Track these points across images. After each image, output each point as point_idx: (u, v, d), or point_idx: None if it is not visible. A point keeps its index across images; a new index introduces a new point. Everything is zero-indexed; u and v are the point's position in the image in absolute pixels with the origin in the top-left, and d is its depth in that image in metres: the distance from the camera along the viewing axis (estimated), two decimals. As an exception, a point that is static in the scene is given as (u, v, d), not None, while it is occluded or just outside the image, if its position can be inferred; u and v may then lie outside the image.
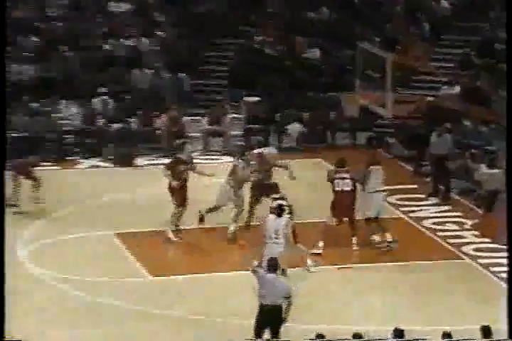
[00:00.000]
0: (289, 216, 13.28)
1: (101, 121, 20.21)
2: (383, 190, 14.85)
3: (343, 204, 14.43)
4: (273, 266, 11.45)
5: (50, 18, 22.57)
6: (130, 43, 22.18)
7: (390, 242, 14.43)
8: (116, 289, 13.38)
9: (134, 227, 15.50)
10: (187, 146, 16.17)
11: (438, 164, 17.30)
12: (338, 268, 14.07)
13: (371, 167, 14.79)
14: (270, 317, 11.18)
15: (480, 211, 16.60)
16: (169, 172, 15.09)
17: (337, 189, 14.50)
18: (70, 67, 21.42)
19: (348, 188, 14.47)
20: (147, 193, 16.52)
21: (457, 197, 17.16)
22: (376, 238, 14.60)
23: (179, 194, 15.03)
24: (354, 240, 14.49)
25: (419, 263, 14.12)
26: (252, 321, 11.33)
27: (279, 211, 13.19)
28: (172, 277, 13.81)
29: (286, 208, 13.41)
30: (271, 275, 11.35)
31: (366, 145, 20.51)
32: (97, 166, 19.11)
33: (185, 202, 15.06)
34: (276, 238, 12.97)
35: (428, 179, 17.93)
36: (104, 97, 20.63)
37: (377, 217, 14.58)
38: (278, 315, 11.16)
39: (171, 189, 15.08)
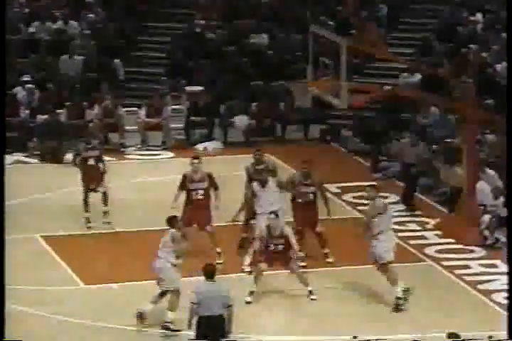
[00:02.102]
0: None
1: (25, 113, 20.04)
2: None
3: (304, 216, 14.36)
4: (209, 272, 11.36)
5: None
6: (57, 26, 22.03)
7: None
8: (46, 298, 13.28)
9: (63, 230, 15.46)
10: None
11: (406, 170, 17.47)
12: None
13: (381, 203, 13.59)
14: (210, 329, 11.10)
15: (443, 209, 16.80)
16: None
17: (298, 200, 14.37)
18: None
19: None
20: (77, 192, 16.38)
21: (419, 196, 17.31)
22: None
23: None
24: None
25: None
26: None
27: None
28: (106, 285, 13.72)
29: None
30: (208, 283, 11.30)
31: (319, 139, 20.67)
32: (22, 162, 18.97)
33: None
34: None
35: (384, 175, 18.14)
36: (29, 86, 20.47)
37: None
38: (219, 327, 11.11)
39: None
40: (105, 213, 15.72)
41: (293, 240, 13.42)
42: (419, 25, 22.71)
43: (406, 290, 13.09)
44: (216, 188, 14.61)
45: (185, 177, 14.62)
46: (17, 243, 14.89)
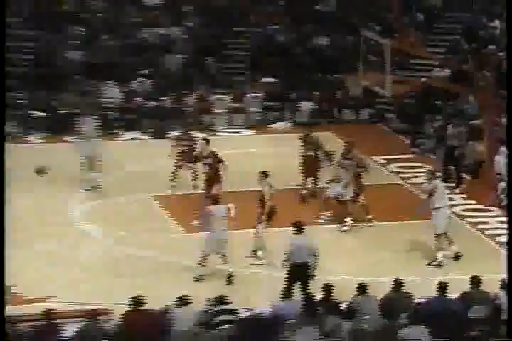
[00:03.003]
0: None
1: (139, 99, 20.19)
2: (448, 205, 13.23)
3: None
4: (298, 227, 11.29)
5: (93, 10, 22.46)
6: (162, 32, 22.07)
7: (457, 254, 13.02)
8: (153, 243, 13.37)
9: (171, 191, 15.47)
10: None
11: (450, 152, 17.06)
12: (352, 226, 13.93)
13: (437, 184, 13.03)
14: (299, 274, 11.00)
15: (468, 177, 16.55)
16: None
17: None
18: (111, 53, 21.35)
19: None
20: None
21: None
22: (444, 253, 12.97)
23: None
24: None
25: (415, 223, 14.06)
26: (281, 273, 11.24)
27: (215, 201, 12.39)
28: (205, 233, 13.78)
29: None
30: (297, 237, 11.15)
31: (368, 120, 20.46)
32: (137, 138, 19.14)
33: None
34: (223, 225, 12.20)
35: (420, 149, 17.89)
36: (142, 79, 20.58)
37: (445, 232, 13.03)
38: (306, 271, 10.99)
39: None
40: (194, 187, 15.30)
41: None
42: (449, 29, 22.26)
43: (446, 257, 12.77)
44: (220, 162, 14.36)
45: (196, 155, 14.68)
46: (132, 201, 15.07)
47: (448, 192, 15.57)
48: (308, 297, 10.68)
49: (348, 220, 13.98)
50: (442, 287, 9.90)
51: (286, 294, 10.96)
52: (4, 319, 9.00)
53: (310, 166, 14.88)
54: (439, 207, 12.92)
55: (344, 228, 13.89)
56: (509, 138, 13.05)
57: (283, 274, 11.34)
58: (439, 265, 12.80)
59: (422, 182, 14.32)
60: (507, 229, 13.14)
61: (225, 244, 12.17)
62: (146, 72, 20.80)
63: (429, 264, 12.83)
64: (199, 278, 12.17)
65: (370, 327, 9.30)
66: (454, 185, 16.10)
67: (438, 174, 13.76)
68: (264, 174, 12.96)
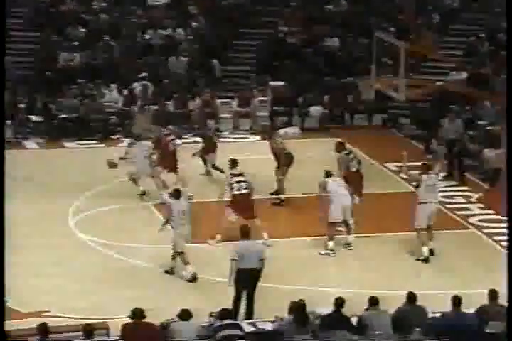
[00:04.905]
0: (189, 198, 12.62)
1: (141, 104, 20.21)
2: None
3: (243, 206, 13.28)
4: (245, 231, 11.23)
5: (95, 10, 22.52)
6: (166, 33, 22.10)
7: (432, 250, 13.21)
8: (151, 254, 13.35)
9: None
10: None
11: (450, 147, 17.10)
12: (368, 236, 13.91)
13: (423, 175, 13.29)
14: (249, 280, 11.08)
15: (485, 186, 16.47)
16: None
17: (235, 192, 13.30)
18: (113, 54, 21.39)
19: (246, 191, 13.33)
20: (183, 168, 16.43)
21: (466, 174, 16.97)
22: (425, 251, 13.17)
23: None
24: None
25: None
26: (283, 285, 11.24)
27: (176, 194, 12.43)
28: (204, 243, 13.75)
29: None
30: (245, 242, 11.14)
31: (381, 125, 20.42)
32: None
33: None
34: (182, 219, 12.30)
35: (433, 156, 17.85)
36: (144, 82, 20.60)
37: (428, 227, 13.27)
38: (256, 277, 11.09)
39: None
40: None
41: None
42: (466, 31, 22.20)
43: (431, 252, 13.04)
44: None
45: None
46: (132, 209, 15.03)
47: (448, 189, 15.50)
48: (251, 302, 10.93)
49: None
50: (457, 301, 9.82)
51: (237, 300, 11.03)
52: (4, 319, 9.02)
53: (358, 182, 14.25)
54: (422, 202, 13.11)
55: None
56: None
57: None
58: (425, 260, 12.99)
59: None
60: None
61: (185, 241, 12.31)
62: (149, 74, 20.81)
63: (417, 259, 13.02)
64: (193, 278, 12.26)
65: (382, 342, 9.23)
66: (456, 182, 16.08)
67: (433, 170, 13.73)
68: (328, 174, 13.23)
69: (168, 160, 15.52)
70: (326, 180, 13.45)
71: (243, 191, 13.40)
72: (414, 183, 13.58)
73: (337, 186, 13.42)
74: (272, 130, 16.95)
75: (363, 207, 13.97)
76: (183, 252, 12.40)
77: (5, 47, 14.51)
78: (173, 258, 12.56)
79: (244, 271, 11.10)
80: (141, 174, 15.29)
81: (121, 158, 15.30)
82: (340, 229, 13.64)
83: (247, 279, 11.12)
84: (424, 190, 13.22)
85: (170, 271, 12.57)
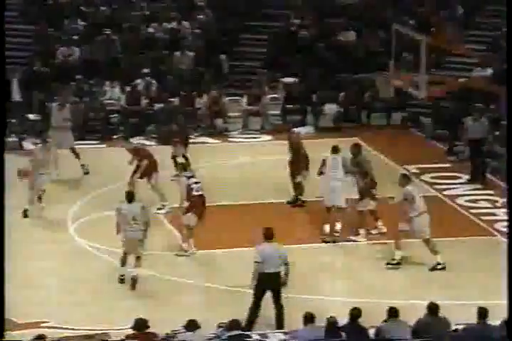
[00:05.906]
0: (141, 203, 12.81)
1: (144, 102, 20.28)
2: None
3: (202, 207, 13.70)
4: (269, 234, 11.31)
5: (94, 2, 22.61)
6: (171, 26, 22.17)
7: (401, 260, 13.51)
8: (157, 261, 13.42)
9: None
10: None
11: (474, 147, 17.10)
12: (373, 244, 14.03)
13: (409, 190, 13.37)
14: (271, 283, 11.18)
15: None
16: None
17: (195, 193, 13.58)
18: (114, 49, 21.47)
19: (202, 192, 13.69)
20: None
21: (489, 176, 17.00)
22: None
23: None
24: None
25: (453, 240, 14.00)
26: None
27: (129, 197, 12.74)
28: (212, 250, 13.82)
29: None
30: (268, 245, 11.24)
31: (400, 125, 20.45)
32: (141, 144, 19.20)
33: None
34: (135, 224, 12.55)
35: (458, 158, 17.83)
36: (147, 78, 20.68)
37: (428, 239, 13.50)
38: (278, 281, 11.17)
39: None
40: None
41: None
42: (491, 24, 22.19)
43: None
44: None
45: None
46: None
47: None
48: (281, 308, 11.01)
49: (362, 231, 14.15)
50: (482, 312, 9.84)
51: (255, 307, 11.11)
52: (4, 319, 9.13)
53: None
54: (413, 216, 13.14)
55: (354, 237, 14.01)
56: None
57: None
58: (443, 268, 13.14)
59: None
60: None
61: (138, 246, 12.50)
62: (153, 70, 20.89)
63: (387, 264, 13.25)
64: (121, 280, 12.55)
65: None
66: (480, 186, 16.09)
67: (412, 179, 13.84)
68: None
69: (146, 171, 15.57)
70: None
71: (201, 192, 13.72)
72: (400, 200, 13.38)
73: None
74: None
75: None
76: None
77: (5, 47, 14.56)
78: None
79: (265, 275, 11.16)
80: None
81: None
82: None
83: (267, 284, 11.18)
84: (413, 202, 13.22)
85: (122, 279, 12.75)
